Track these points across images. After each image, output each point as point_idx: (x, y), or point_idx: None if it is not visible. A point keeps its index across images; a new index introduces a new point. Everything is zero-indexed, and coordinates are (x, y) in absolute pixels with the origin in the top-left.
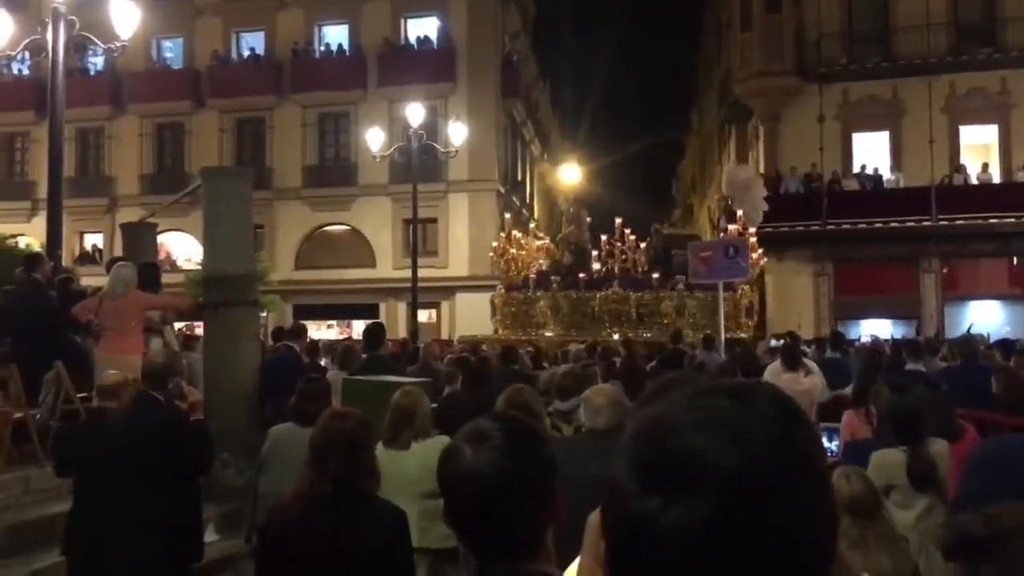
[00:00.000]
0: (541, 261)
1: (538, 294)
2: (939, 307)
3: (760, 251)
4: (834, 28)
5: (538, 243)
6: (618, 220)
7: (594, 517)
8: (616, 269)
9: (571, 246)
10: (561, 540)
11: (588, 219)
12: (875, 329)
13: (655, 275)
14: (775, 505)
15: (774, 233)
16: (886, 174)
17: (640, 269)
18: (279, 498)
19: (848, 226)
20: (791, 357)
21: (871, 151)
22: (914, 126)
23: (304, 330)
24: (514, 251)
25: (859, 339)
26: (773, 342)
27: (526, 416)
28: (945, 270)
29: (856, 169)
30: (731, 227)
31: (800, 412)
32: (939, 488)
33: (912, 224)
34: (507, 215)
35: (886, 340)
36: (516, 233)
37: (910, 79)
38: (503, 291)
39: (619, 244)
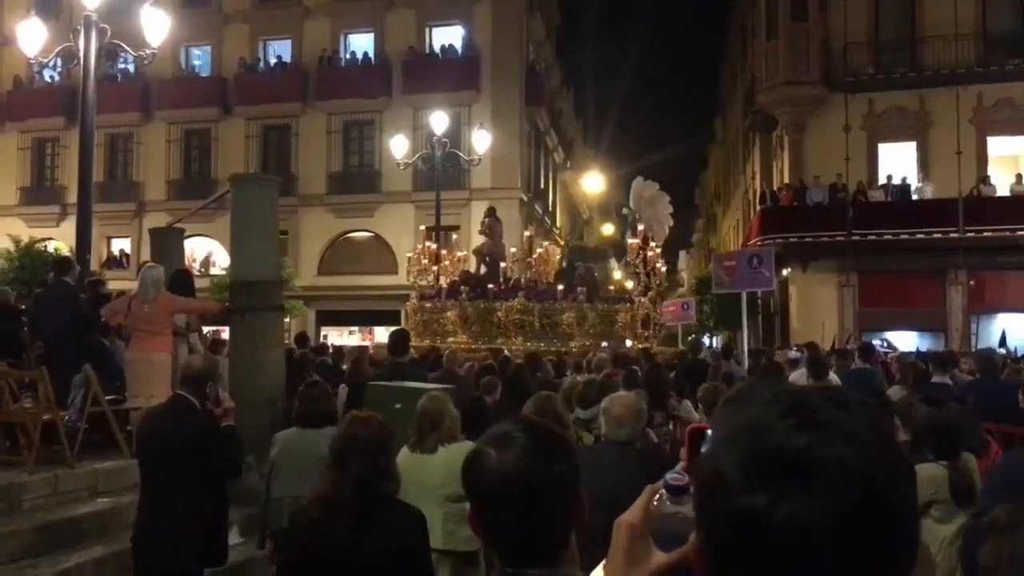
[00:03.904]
0: (463, 270)
1: (448, 303)
2: (966, 320)
3: (661, 263)
4: (861, 37)
5: (459, 254)
6: (527, 232)
7: (624, 519)
8: (523, 280)
9: (485, 257)
10: (579, 546)
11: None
12: (898, 341)
13: (560, 286)
14: (891, 502)
15: (798, 244)
16: (913, 185)
17: (544, 280)
18: (300, 501)
19: (874, 237)
20: (818, 367)
21: (897, 162)
22: (941, 137)
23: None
24: (426, 262)
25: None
26: (793, 353)
27: (553, 423)
28: (972, 282)
29: (882, 180)
30: (632, 241)
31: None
32: (976, 503)
33: (939, 236)
34: (422, 227)
35: (910, 353)
36: (431, 244)
37: (937, 89)
38: (415, 300)
39: (529, 257)
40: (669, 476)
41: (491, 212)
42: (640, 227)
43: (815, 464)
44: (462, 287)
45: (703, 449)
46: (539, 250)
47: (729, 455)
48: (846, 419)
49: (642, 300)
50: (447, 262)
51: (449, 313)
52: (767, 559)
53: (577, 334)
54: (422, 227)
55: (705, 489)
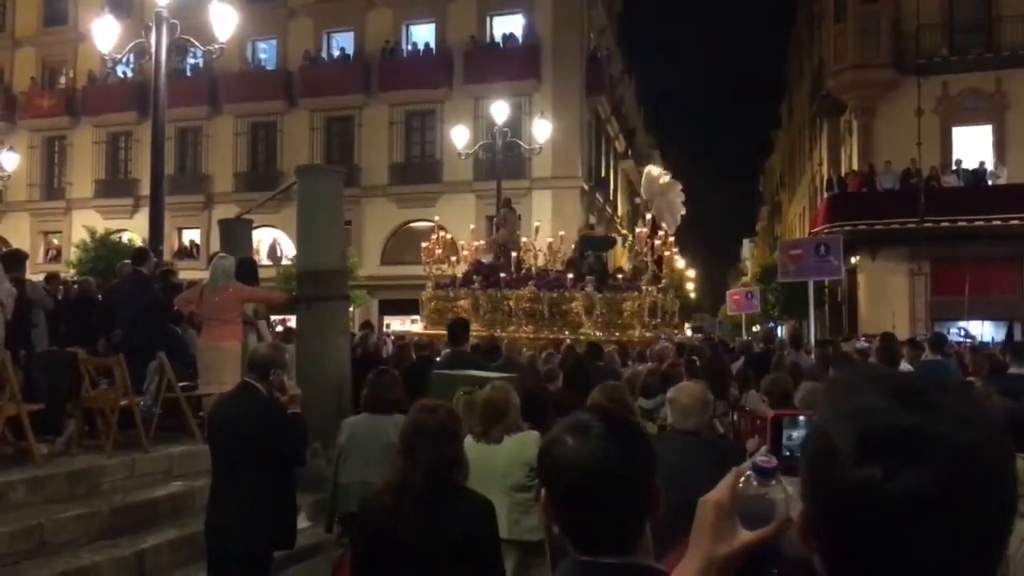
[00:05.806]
0: (482, 260)
1: (461, 292)
2: None
3: (675, 250)
4: (934, 18)
5: (476, 244)
6: (536, 223)
7: (711, 497)
8: (533, 269)
9: (500, 247)
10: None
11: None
12: (974, 331)
13: (570, 275)
14: (992, 477)
15: (868, 231)
16: (989, 169)
17: (555, 269)
18: (367, 487)
19: (947, 224)
20: (890, 357)
21: (972, 146)
22: (1019, 119)
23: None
24: (440, 251)
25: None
26: (861, 343)
27: (622, 410)
28: None
29: (956, 165)
30: (640, 229)
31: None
32: None
33: (1016, 222)
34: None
35: (987, 343)
36: (445, 234)
37: (1015, 70)
38: (431, 289)
39: (536, 245)
40: (758, 458)
41: (506, 203)
42: (648, 215)
43: (924, 440)
44: (475, 276)
45: (790, 434)
46: (550, 239)
47: (842, 433)
48: (949, 400)
49: (650, 289)
50: (466, 252)
51: (462, 302)
52: (878, 527)
53: (586, 322)
54: (436, 217)
55: (817, 463)
